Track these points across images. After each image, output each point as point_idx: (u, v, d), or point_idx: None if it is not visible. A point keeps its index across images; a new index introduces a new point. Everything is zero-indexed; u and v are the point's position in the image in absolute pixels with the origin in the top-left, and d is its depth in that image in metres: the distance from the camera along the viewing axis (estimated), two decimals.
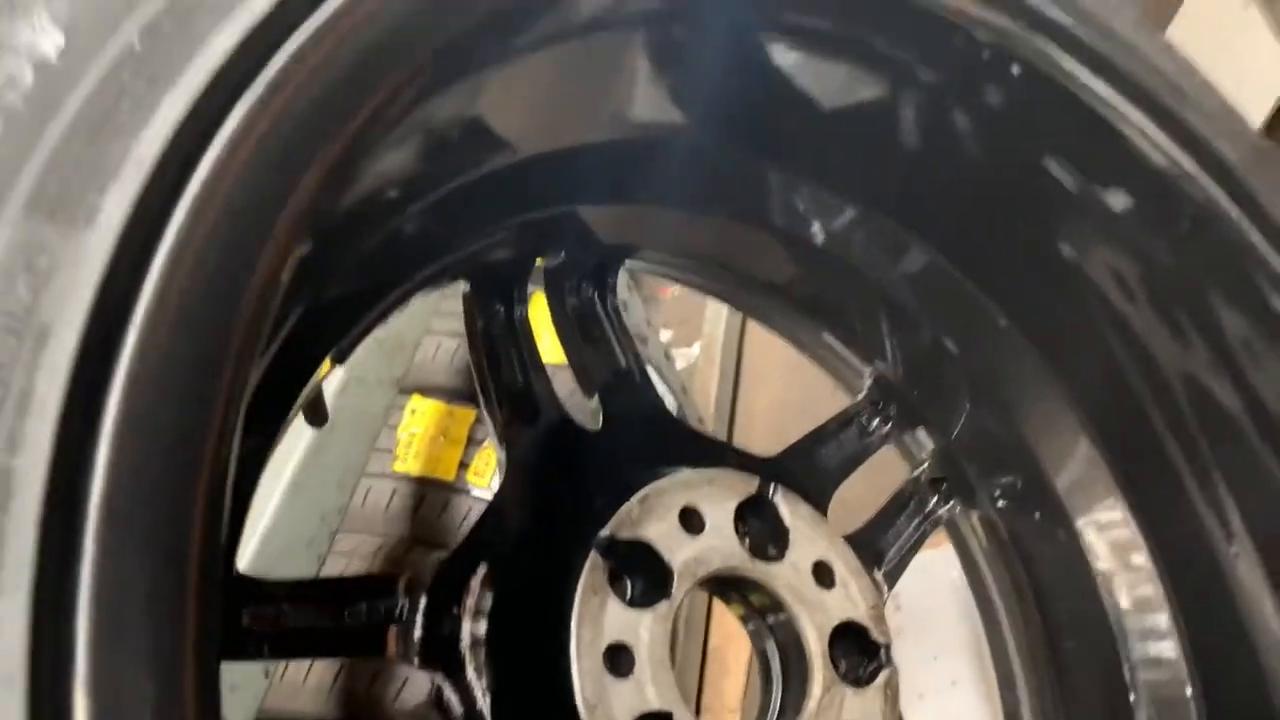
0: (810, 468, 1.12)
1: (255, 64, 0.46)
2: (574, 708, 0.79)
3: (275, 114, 0.45)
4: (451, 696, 0.81)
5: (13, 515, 0.36)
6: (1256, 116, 3.30)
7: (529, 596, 0.84)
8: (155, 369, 0.39)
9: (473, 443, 2.60)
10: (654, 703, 0.82)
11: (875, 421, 1.20)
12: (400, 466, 2.57)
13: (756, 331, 3.20)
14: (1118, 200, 0.87)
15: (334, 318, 0.78)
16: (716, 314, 3.16)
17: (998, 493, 1.17)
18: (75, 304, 0.39)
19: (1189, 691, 0.95)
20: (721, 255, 1.12)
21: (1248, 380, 0.91)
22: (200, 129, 0.43)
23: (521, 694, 0.80)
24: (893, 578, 1.13)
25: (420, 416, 2.68)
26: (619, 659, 0.83)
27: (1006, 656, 1.16)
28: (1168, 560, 1.03)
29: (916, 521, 1.18)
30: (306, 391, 0.81)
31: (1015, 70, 0.85)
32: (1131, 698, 1.01)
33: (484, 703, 0.80)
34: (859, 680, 0.95)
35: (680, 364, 3.28)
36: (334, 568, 2.29)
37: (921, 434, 1.21)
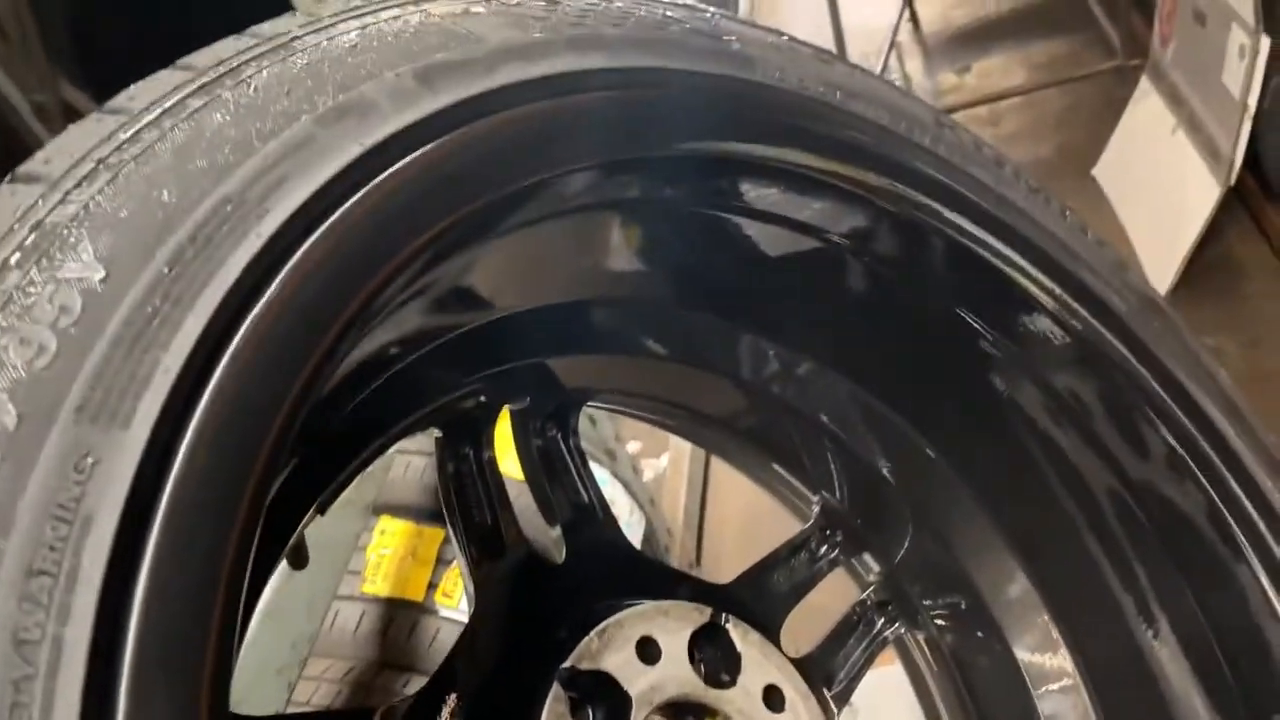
0: (762, 594, 1.19)
1: (263, 279, 0.55)
2: None
3: (277, 320, 0.54)
4: None
5: (61, 679, 0.43)
6: (1189, 232, 3.51)
7: None
8: (176, 546, 0.47)
9: (441, 562, 2.63)
10: None
11: (824, 547, 1.27)
12: (369, 588, 2.59)
13: None
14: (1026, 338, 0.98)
15: (319, 474, 0.85)
16: None
17: (939, 614, 1.24)
18: (114, 494, 0.47)
19: None
20: (675, 395, 1.21)
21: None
22: (215, 340, 0.52)
23: None
24: (843, 698, 1.20)
25: (390, 537, 2.71)
26: None
27: None
28: (1095, 676, 1.11)
29: (865, 643, 1.25)
30: (292, 542, 0.88)
31: (930, 238, 0.97)
32: None
33: None
34: None
35: (649, 475, 3.35)
36: (303, 693, 2.30)
37: (868, 559, 1.30)
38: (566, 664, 0.93)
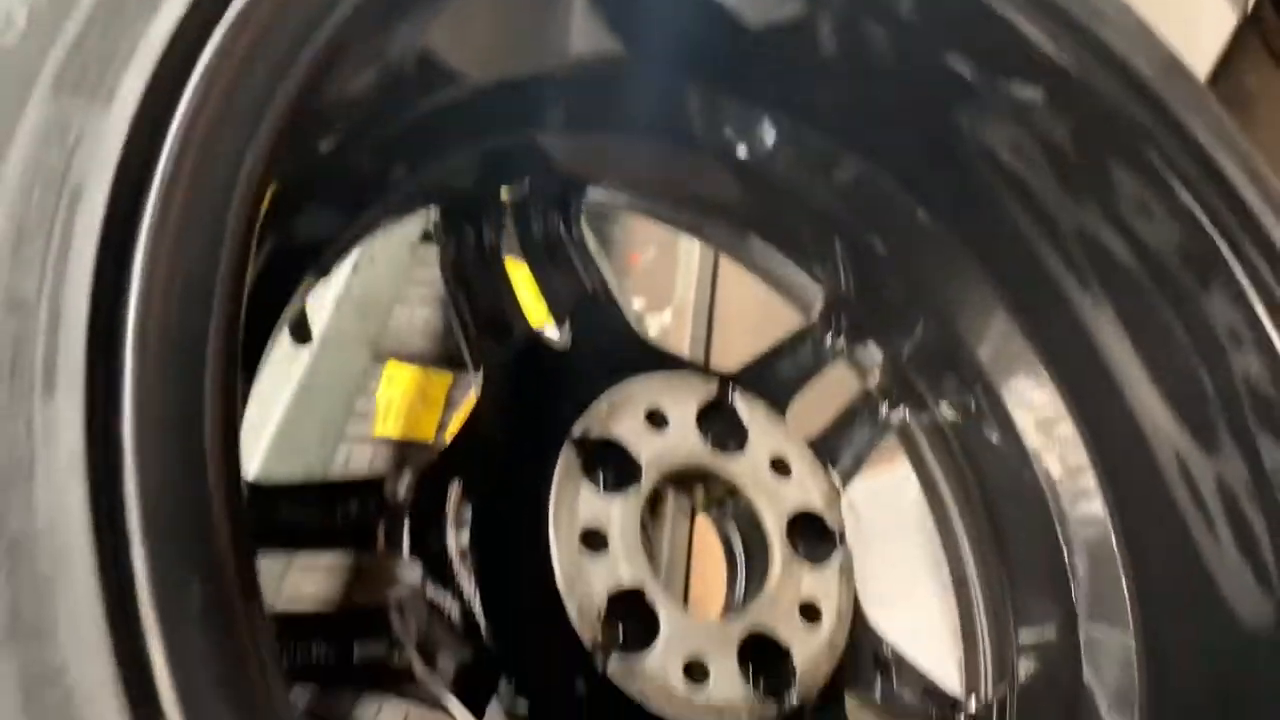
0: (767, 380, 1.19)
1: None
2: (553, 584, 0.87)
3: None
4: (439, 583, 0.89)
5: (63, 340, 0.42)
6: (1203, 64, 3.40)
7: (509, 487, 0.91)
8: (174, 221, 0.46)
9: (450, 405, 2.66)
10: (626, 578, 0.90)
11: (828, 336, 1.27)
12: (380, 430, 2.63)
13: (727, 295, 3.28)
14: (1021, 92, 0.95)
15: (313, 235, 0.84)
16: (687, 280, 3.22)
17: (942, 395, 1.25)
18: (102, 168, 0.45)
19: (1114, 542, 1.04)
20: (672, 181, 1.19)
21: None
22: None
23: (505, 574, 0.88)
24: (847, 477, 1.21)
25: (397, 381, 2.74)
26: (593, 540, 0.91)
27: (954, 536, 1.25)
28: (1089, 425, 1.12)
29: (869, 428, 1.27)
30: (293, 310, 0.88)
31: None
32: (1066, 554, 1.10)
33: (469, 586, 0.87)
34: (815, 560, 1.04)
35: (653, 330, 3.35)
36: None
37: (871, 347, 1.29)
38: (577, 429, 0.94)
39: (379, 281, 2.16)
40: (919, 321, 1.23)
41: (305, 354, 2.04)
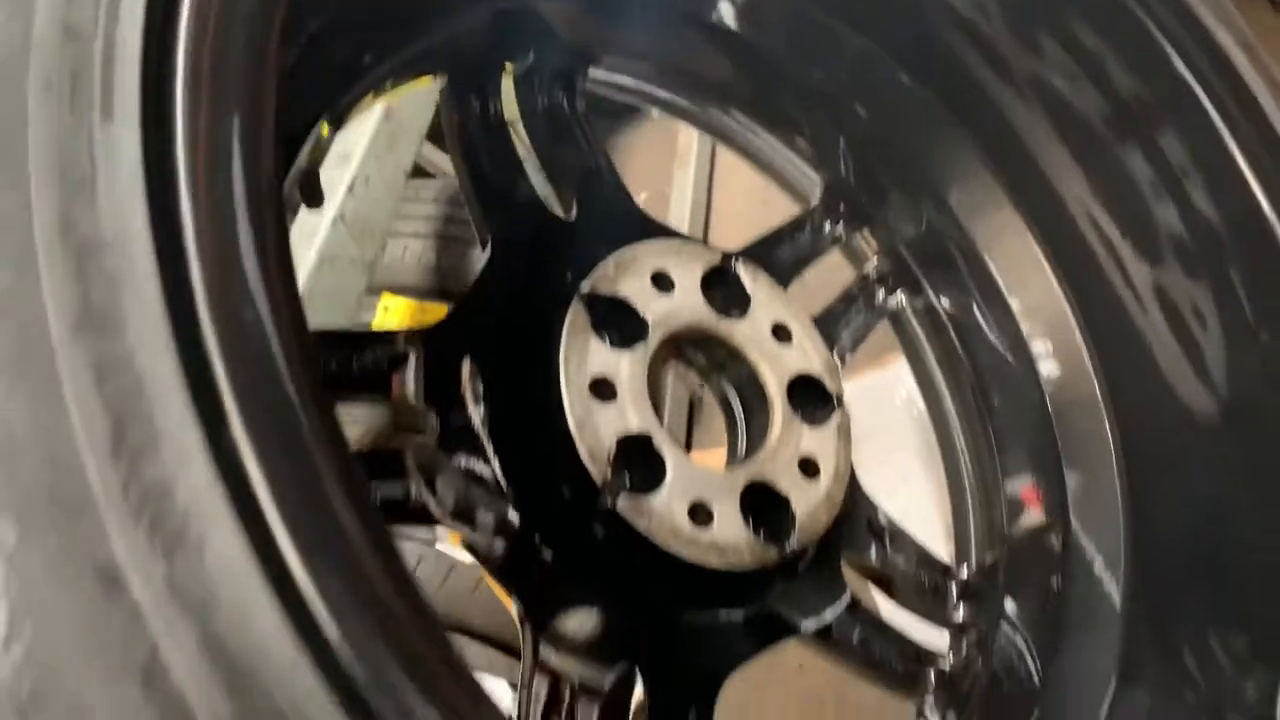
0: (767, 263, 1.22)
1: None
2: (565, 426, 0.89)
3: None
4: (455, 431, 0.91)
5: (119, 71, 0.45)
6: None
7: (520, 338, 0.94)
8: None
9: None
10: (634, 425, 0.92)
11: (827, 222, 1.30)
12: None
13: (723, 195, 3.30)
14: None
15: (324, 79, 0.86)
16: (684, 181, 3.25)
17: (937, 278, 1.28)
18: None
19: (1098, 393, 1.08)
20: (670, 61, 1.21)
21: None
22: None
23: (517, 417, 0.90)
24: (843, 356, 1.25)
25: (393, 313, 2.76)
26: (602, 388, 0.93)
27: (943, 411, 1.28)
28: (1089, 320, 1.15)
29: (867, 312, 1.30)
30: (306, 158, 0.89)
31: None
32: (1052, 416, 1.14)
33: (481, 426, 0.90)
34: (814, 421, 1.07)
35: None
36: None
37: (868, 233, 1.32)
38: (585, 286, 0.97)
39: (374, 206, 2.16)
40: (918, 203, 1.26)
41: (304, 260, 2.04)
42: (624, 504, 0.89)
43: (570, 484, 0.89)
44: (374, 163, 2.21)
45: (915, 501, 1.51)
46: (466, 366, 0.93)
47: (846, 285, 1.30)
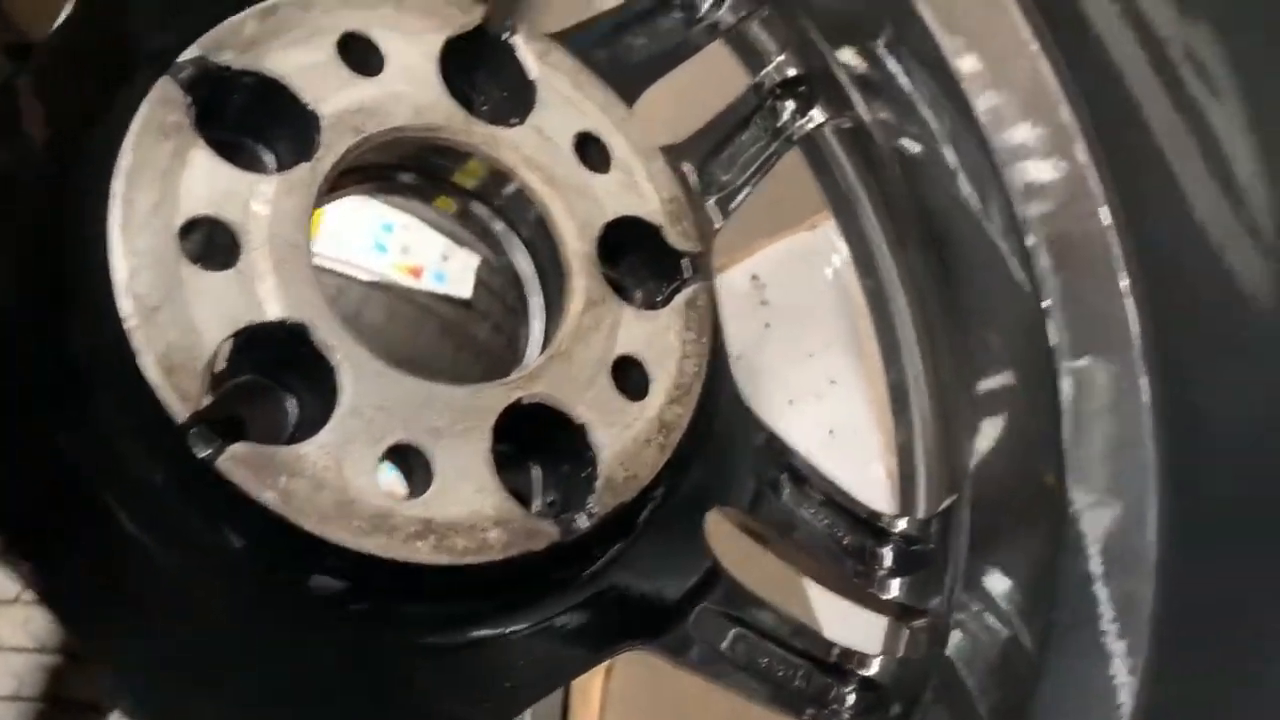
0: (606, 56, 0.77)
1: None
2: (114, 311, 0.47)
3: None
4: None
5: None
6: None
7: (67, 146, 0.50)
8: None
9: None
10: (273, 309, 0.50)
11: (707, 2, 0.85)
12: None
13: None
14: None
15: None
16: None
17: (871, 89, 0.84)
18: None
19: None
20: None
21: None
22: None
23: (29, 294, 0.48)
24: (726, 205, 0.81)
25: None
26: (211, 239, 0.50)
27: (883, 287, 0.87)
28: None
29: (763, 141, 0.86)
30: None
31: None
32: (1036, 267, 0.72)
33: None
34: (651, 298, 0.64)
35: None
36: None
37: (768, 16, 0.88)
38: (191, 53, 0.53)
39: None
40: None
41: None
42: (235, 458, 0.47)
43: (128, 422, 0.47)
44: None
45: (846, 411, 1.10)
46: None
47: (736, 97, 0.86)
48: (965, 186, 0.77)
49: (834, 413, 1.09)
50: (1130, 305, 0.69)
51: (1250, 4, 0.68)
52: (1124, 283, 0.69)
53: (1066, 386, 0.76)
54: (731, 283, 1.21)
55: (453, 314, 2.03)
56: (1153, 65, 0.70)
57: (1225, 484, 0.71)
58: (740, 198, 0.83)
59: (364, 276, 1.92)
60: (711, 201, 0.81)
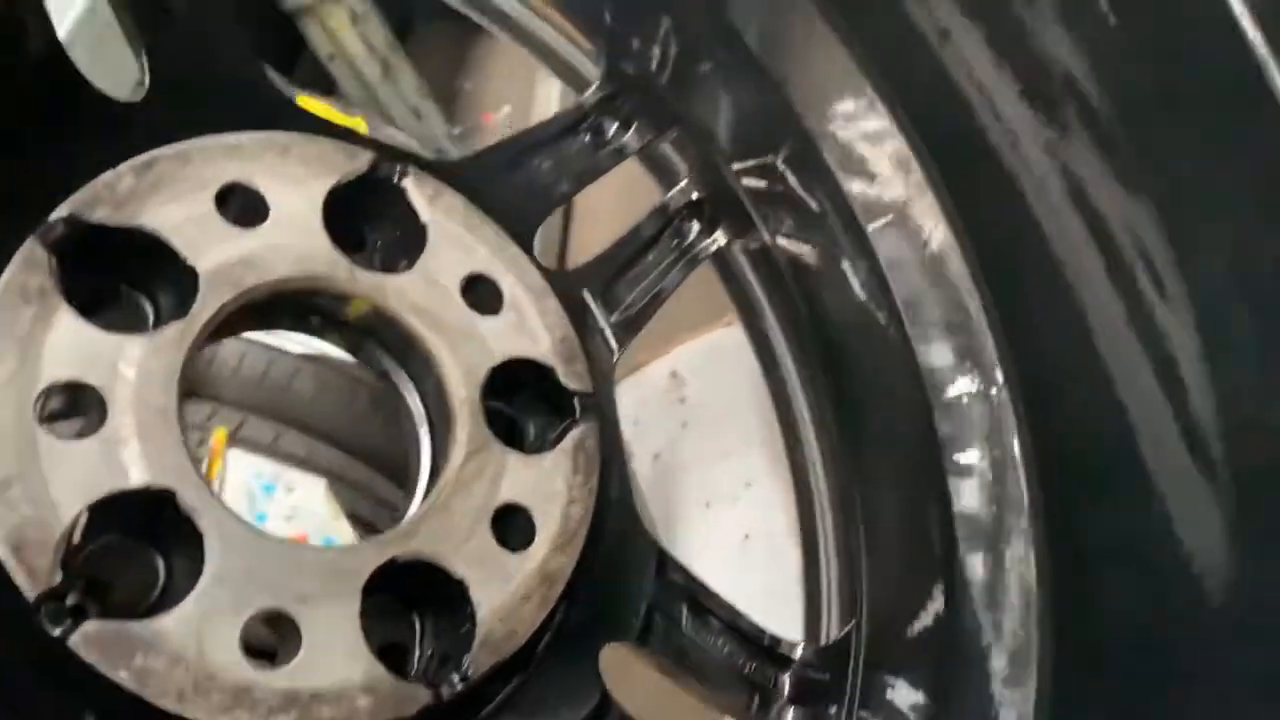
0: (509, 183, 0.78)
1: None
2: None
3: None
4: None
5: None
6: None
7: None
8: None
9: None
10: (137, 475, 0.49)
11: (614, 125, 0.86)
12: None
13: None
14: None
15: None
16: (548, 94, 2.82)
17: (774, 210, 0.86)
18: None
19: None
20: None
21: None
22: None
23: None
24: (632, 328, 0.82)
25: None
26: (76, 403, 0.50)
27: (788, 396, 0.88)
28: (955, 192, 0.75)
29: (669, 259, 0.87)
30: None
31: None
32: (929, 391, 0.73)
33: None
34: (539, 441, 0.64)
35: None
36: None
37: (679, 144, 0.89)
38: (63, 211, 0.52)
39: None
40: (742, 89, 0.83)
41: None
42: (88, 636, 0.46)
43: None
44: None
45: (762, 515, 1.10)
46: None
47: (642, 216, 0.87)
48: (860, 296, 0.79)
49: (749, 516, 1.10)
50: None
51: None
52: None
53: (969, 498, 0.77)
54: (651, 378, 1.22)
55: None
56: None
57: (1110, 599, 0.73)
58: (644, 318, 0.84)
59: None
60: (614, 324, 0.81)
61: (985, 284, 0.75)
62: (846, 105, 0.76)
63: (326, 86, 2.36)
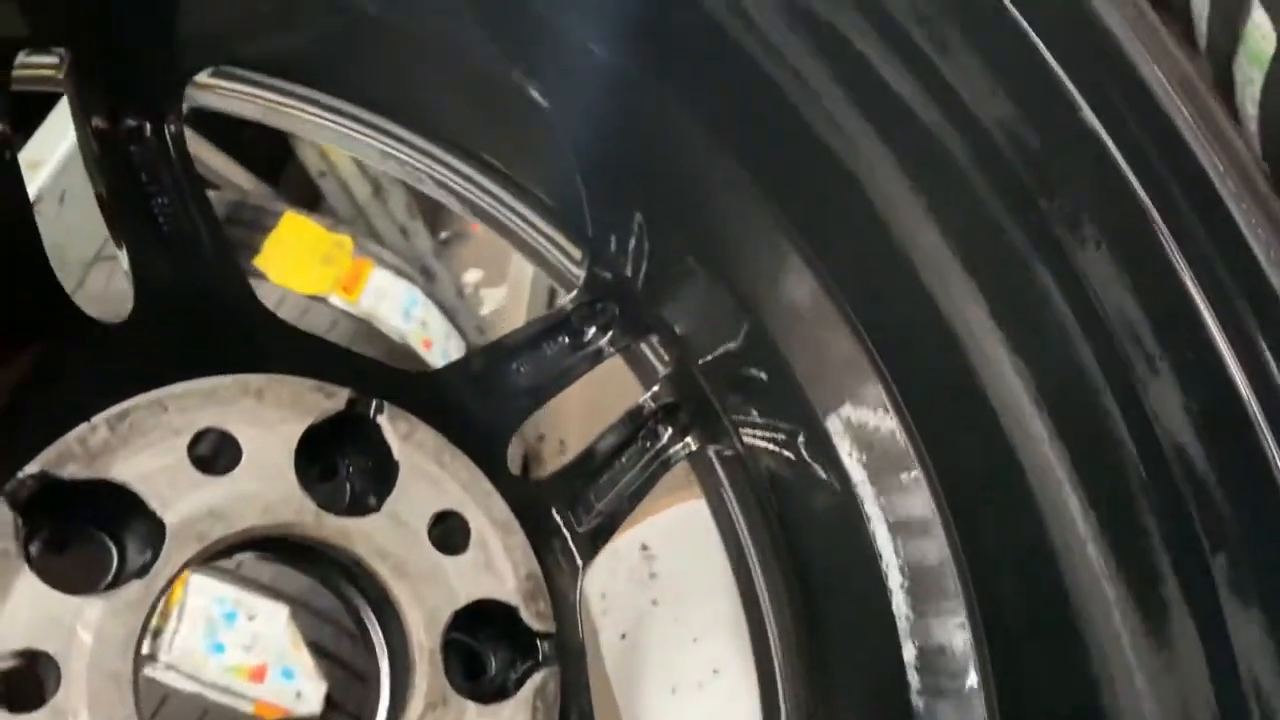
0: (487, 390, 0.79)
1: None
2: None
3: None
4: None
5: None
6: None
7: None
8: None
9: None
10: None
11: (591, 327, 0.88)
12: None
13: None
14: None
15: None
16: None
17: (747, 417, 0.87)
18: None
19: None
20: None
21: None
22: None
23: None
24: (600, 537, 0.82)
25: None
26: (32, 669, 0.49)
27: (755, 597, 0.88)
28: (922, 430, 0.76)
29: (642, 463, 0.87)
30: None
31: None
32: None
33: None
34: (501, 678, 0.64)
35: (489, 306, 2.98)
36: None
37: (655, 346, 0.91)
38: (31, 468, 0.52)
39: (71, 232, 1.66)
40: (717, 301, 0.85)
41: None
42: None
43: None
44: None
45: (727, 705, 1.09)
46: None
47: (613, 422, 0.88)
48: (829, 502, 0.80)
49: (714, 705, 1.09)
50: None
51: None
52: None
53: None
54: (621, 552, 1.22)
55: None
56: None
57: None
58: (614, 524, 0.85)
59: None
60: (582, 534, 0.82)
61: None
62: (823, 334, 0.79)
63: (311, 199, 2.38)
